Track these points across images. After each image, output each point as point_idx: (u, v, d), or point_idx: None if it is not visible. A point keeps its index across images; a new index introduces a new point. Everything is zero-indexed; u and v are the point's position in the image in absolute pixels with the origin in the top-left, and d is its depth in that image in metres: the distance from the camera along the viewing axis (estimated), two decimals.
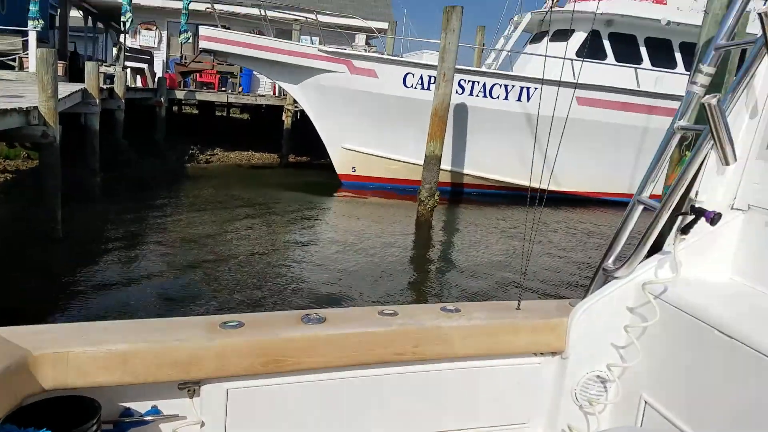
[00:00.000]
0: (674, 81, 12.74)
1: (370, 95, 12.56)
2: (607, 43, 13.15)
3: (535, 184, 2.81)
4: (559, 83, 3.45)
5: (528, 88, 12.33)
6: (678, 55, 13.38)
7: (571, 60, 12.40)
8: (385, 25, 19.42)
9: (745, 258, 1.82)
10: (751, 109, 1.79)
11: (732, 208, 1.85)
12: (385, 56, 13.11)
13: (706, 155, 1.74)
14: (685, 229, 1.74)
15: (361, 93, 12.56)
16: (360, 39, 13.84)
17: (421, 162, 10.57)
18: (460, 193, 13.71)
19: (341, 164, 13.70)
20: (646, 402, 1.78)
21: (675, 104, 12.12)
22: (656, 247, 1.87)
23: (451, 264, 8.37)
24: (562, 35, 13.46)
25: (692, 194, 1.81)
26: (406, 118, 12.53)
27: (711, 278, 1.84)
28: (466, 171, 13.44)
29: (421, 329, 1.72)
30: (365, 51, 13.29)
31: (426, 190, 10.23)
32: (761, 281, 1.76)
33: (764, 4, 1.65)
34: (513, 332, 1.82)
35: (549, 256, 8.73)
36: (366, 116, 12.87)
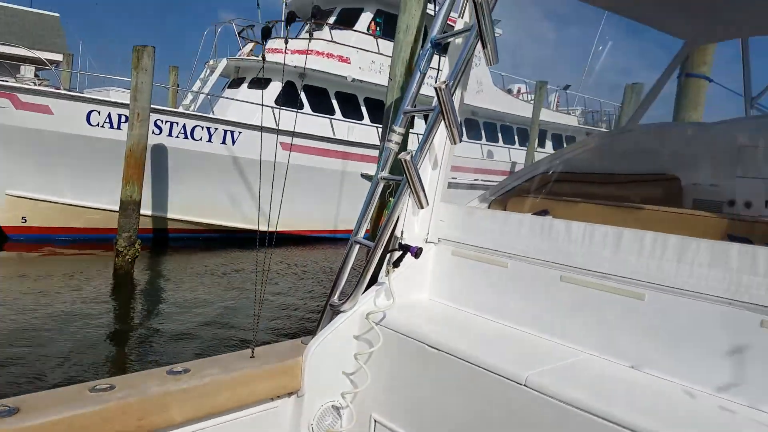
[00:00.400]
0: (362, 131, 14.78)
1: (43, 134, 10.99)
2: (303, 94, 14.43)
3: (252, 226, 2.94)
4: (278, 131, 3.69)
5: (233, 132, 12.58)
6: (364, 109, 15.56)
7: (272, 107, 13.22)
8: (58, 57, 17.32)
9: (440, 281, 2.28)
10: (434, 162, 2.29)
11: (427, 242, 2.31)
12: (63, 91, 11.69)
13: (405, 200, 2.15)
14: (396, 263, 2.10)
15: (31, 131, 10.90)
16: (27, 71, 12.04)
17: (115, 207, 9.68)
18: (165, 240, 12.98)
19: (6, 214, 11.54)
20: (375, 421, 2.03)
21: (364, 151, 14.12)
22: (374, 280, 2.19)
23: (169, 320, 7.79)
24: (260, 83, 14.24)
25: (398, 233, 2.19)
26: (93, 159, 11.37)
27: (417, 301, 2.24)
28: (170, 215, 12.84)
29: (146, 399, 1.61)
30: (35, 84, 11.63)
31: (124, 239, 9.39)
32: (452, 299, 2.23)
33: (436, 80, 2.15)
34: (249, 382, 1.85)
35: (277, 297, 8.93)
36: (39, 157, 11.19)
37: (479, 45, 2.09)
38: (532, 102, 19.14)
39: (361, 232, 2.24)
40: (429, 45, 2.31)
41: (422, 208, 2.08)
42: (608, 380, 1.63)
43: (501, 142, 19.60)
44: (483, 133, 18.97)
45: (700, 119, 6.95)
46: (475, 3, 1.91)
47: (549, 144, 21.53)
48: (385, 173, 2.27)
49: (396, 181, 2.19)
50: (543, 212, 2.41)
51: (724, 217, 2.20)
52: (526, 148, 18.76)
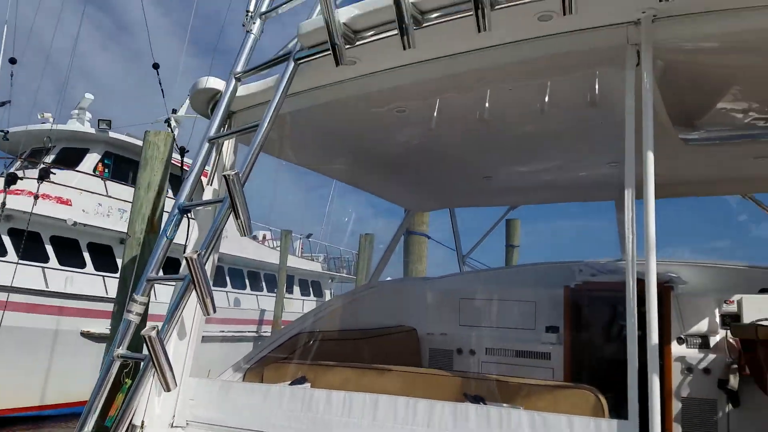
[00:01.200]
0: (84, 281, 13.23)
1: None
2: (7, 239, 12.57)
3: None
4: None
5: None
6: (87, 255, 14.09)
7: None
8: None
9: None
10: (182, 334, 2.18)
11: (172, 427, 2.11)
12: None
13: (148, 382, 1.97)
14: None
15: None
16: None
17: None
18: None
19: None
20: None
21: (86, 304, 12.53)
22: None
23: None
24: None
25: (137, 421, 1.96)
26: None
27: None
28: None
29: None
30: None
31: None
32: None
33: (185, 246, 2.13)
34: None
35: None
36: None
37: (231, 215, 2.17)
38: (277, 248, 19.84)
39: (89, 424, 1.95)
40: (177, 211, 2.31)
41: (169, 390, 1.93)
42: None
43: (249, 289, 19.56)
44: (228, 280, 18.74)
45: (425, 271, 8.18)
46: (227, 179, 2.01)
47: (297, 289, 22.28)
48: (122, 350, 2.08)
49: (136, 360, 2.02)
50: (301, 379, 2.44)
51: (456, 375, 2.53)
52: (274, 295, 19.02)
